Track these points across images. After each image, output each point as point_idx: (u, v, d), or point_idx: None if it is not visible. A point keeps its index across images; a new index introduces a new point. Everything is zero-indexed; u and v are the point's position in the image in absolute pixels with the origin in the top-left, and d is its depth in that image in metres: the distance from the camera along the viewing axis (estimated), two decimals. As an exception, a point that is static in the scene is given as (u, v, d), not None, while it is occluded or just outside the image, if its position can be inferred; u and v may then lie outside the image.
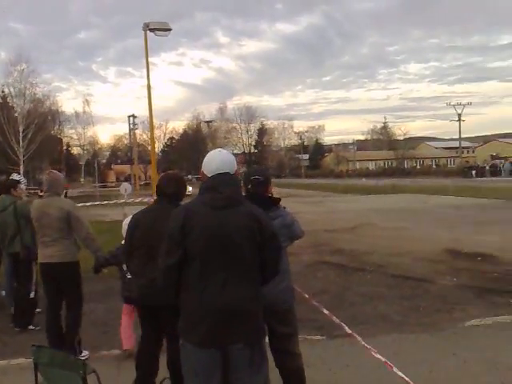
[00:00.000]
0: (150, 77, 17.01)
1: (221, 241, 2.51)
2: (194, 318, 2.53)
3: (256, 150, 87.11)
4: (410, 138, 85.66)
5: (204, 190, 2.62)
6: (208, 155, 2.76)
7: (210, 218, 2.52)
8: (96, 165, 58.76)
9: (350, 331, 4.60)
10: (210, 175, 2.64)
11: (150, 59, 16.66)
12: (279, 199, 3.57)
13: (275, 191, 3.98)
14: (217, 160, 2.68)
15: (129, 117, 46.85)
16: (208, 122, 73.04)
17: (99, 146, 74.75)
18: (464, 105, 63.00)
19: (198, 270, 2.51)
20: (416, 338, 5.06)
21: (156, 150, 78.91)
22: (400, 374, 3.52)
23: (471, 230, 12.34)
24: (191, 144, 75.74)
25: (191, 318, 2.54)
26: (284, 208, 3.56)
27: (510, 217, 15.02)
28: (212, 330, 2.48)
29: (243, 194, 3.00)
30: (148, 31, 16.31)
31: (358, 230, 13.48)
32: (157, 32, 16.46)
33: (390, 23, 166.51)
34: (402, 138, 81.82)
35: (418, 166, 74.87)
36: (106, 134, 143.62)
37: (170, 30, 16.61)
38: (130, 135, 51.20)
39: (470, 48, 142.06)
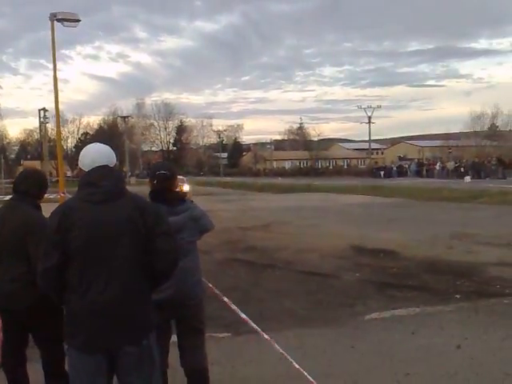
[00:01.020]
0: (60, 69, 16.46)
1: (101, 237, 2.39)
2: (76, 321, 2.41)
3: (175, 148, 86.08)
4: (324, 139, 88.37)
5: (82, 186, 2.50)
6: (83, 149, 2.64)
7: (89, 214, 2.41)
8: (3, 159, 55.61)
9: (255, 327, 4.65)
10: (86, 169, 2.52)
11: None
12: (186, 193, 3.54)
13: (193, 190, 3.95)
14: (92, 153, 2.57)
15: (39, 110, 44.80)
16: (124, 117, 71.17)
17: (7, 140, 70.65)
18: (374, 108, 66.02)
19: (78, 269, 2.40)
20: (319, 332, 5.21)
21: (69, 145, 76.21)
22: (297, 366, 3.59)
23: (376, 227, 12.88)
24: (107, 140, 72.94)
25: (74, 322, 2.43)
26: (192, 202, 3.53)
27: (412, 215, 15.89)
28: (95, 334, 2.38)
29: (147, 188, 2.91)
30: (56, 22, 15.63)
31: (270, 227, 13.70)
32: (64, 23, 15.80)
33: (307, 26, 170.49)
34: (316, 138, 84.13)
35: (331, 167, 77.20)
36: (17, 128, 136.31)
37: (78, 20, 16.02)
38: (40, 129, 48.92)
39: (382, 53, 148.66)
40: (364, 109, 65.99)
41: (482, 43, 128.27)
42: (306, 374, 3.55)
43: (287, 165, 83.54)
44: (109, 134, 75.26)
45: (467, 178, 38.92)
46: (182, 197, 3.47)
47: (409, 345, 4.82)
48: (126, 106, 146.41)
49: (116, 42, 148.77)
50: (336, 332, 5.20)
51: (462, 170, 45.24)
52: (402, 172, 52.05)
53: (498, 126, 66.58)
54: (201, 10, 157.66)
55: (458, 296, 6.35)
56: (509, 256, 8.46)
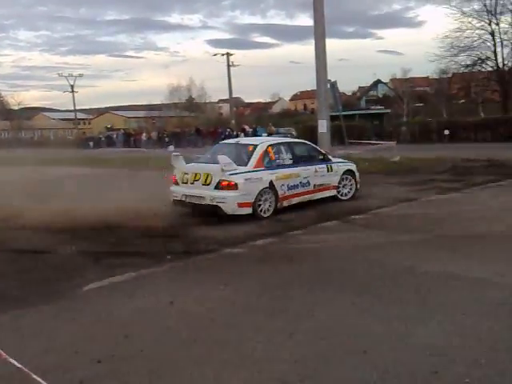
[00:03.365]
0: None
1: None
2: None
3: None
4: (26, 108, 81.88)
5: None
6: None
7: None
8: None
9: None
10: None
11: None
12: None
13: None
14: None
15: None
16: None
17: None
18: (76, 76, 64.17)
19: None
20: (36, 310, 5.05)
21: None
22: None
23: (91, 198, 12.71)
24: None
25: None
26: None
27: (128, 184, 16.06)
28: None
29: None
30: None
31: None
32: None
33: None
34: (17, 107, 77.30)
35: (36, 137, 72.17)
36: None
37: None
38: None
39: (80, 20, 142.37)
40: (66, 77, 63.66)
41: (174, 17, 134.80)
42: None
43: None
44: None
45: (171, 147, 41.29)
46: None
47: (127, 308, 5.08)
48: None
49: None
50: (55, 308, 5.13)
51: (166, 139, 47.78)
52: (110, 142, 52.25)
53: (194, 98, 72.00)
54: None
55: (169, 257, 6.89)
56: (213, 218, 9.38)
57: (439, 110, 44.60)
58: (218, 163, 9.29)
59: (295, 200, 10.16)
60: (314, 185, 10.53)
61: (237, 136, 46.23)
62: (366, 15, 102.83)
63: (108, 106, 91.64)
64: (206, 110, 72.36)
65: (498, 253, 6.55)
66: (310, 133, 22.89)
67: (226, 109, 67.09)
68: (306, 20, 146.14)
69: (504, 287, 5.19)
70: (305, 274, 6.03)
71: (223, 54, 53.44)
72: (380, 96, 66.15)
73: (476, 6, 36.21)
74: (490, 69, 37.12)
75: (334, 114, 18.70)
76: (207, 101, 73.86)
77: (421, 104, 52.08)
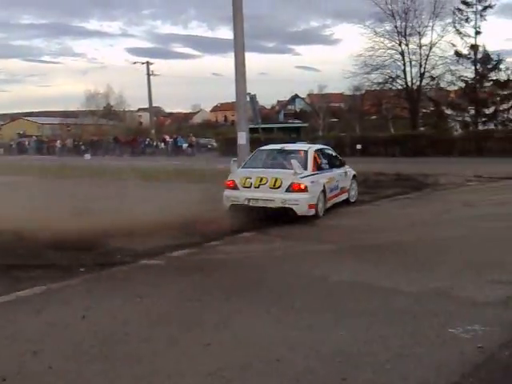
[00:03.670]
0: None
1: None
2: None
3: None
4: None
5: None
6: None
7: None
8: None
9: None
10: None
11: None
12: None
13: None
14: None
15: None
16: None
17: None
18: (-14, 80, 60.77)
19: None
20: None
21: None
22: None
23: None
24: None
25: None
26: None
27: (37, 192, 15.36)
28: None
29: None
30: None
31: None
32: None
33: None
34: None
35: None
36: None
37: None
38: None
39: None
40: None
41: (93, 24, 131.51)
42: None
43: None
44: None
45: (87, 156, 40.09)
46: None
47: (35, 323, 4.86)
48: None
49: None
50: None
51: (83, 147, 46.31)
52: (22, 149, 49.91)
53: (112, 106, 70.25)
54: None
55: (82, 269, 6.66)
56: (129, 228, 9.16)
57: (353, 125, 46.47)
58: (284, 168, 10.06)
59: (332, 202, 10.94)
60: (341, 188, 11.49)
61: (156, 146, 45.71)
62: (284, 31, 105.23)
63: (20, 111, 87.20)
64: (124, 118, 70.84)
65: (405, 262, 6.92)
66: (230, 144, 23.08)
67: (145, 118, 65.98)
68: (227, 33, 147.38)
69: (409, 295, 5.49)
70: (221, 284, 6.05)
71: (143, 63, 52.87)
72: (297, 110, 67.99)
73: (388, 27, 38.09)
74: (399, 87, 39.15)
75: (253, 126, 18.98)
76: (126, 109, 72.41)
77: (336, 119, 54.01)
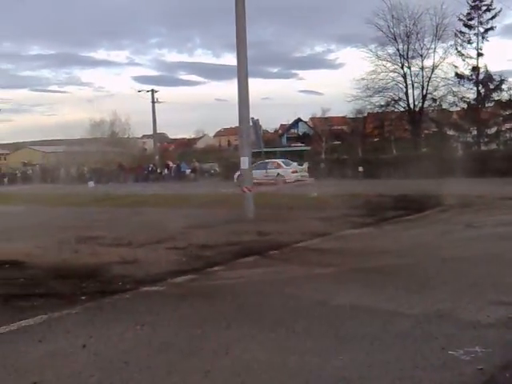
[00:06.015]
0: None
1: None
2: None
3: None
4: None
5: None
6: None
7: None
8: None
9: None
10: None
11: None
12: None
13: None
14: None
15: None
16: None
17: None
18: (-5, 111, 61.68)
19: None
20: None
21: None
22: None
23: None
24: None
25: None
26: None
27: (40, 221, 15.51)
28: None
29: None
30: None
31: None
32: None
33: None
34: None
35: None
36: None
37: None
38: None
39: (2, 54, 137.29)
40: (-17, 111, 60.97)
41: (101, 53, 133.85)
42: None
43: None
44: None
45: (91, 183, 40.35)
46: None
47: (36, 353, 4.85)
48: None
49: None
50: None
51: (87, 175, 46.59)
52: (26, 178, 50.52)
53: (117, 133, 70.77)
54: None
55: (83, 297, 6.67)
56: (130, 255, 9.26)
57: (355, 147, 46.65)
58: None
59: None
60: None
61: (161, 172, 45.97)
62: (289, 57, 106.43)
63: (25, 140, 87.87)
64: (129, 145, 71.24)
65: (407, 284, 6.89)
66: (233, 169, 23.21)
67: (150, 144, 66.45)
68: (231, 59, 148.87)
69: (410, 318, 5.46)
70: (222, 310, 6.04)
71: (148, 91, 53.45)
72: (300, 134, 68.34)
73: (390, 50, 38.64)
74: (402, 109, 39.53)
75: (256, 150, 19.12)
76: (131, 136, 72.92)
77: (338, 142, 54.29)
